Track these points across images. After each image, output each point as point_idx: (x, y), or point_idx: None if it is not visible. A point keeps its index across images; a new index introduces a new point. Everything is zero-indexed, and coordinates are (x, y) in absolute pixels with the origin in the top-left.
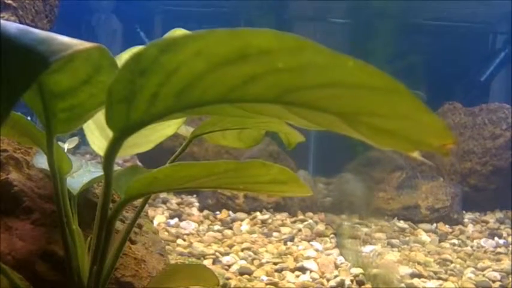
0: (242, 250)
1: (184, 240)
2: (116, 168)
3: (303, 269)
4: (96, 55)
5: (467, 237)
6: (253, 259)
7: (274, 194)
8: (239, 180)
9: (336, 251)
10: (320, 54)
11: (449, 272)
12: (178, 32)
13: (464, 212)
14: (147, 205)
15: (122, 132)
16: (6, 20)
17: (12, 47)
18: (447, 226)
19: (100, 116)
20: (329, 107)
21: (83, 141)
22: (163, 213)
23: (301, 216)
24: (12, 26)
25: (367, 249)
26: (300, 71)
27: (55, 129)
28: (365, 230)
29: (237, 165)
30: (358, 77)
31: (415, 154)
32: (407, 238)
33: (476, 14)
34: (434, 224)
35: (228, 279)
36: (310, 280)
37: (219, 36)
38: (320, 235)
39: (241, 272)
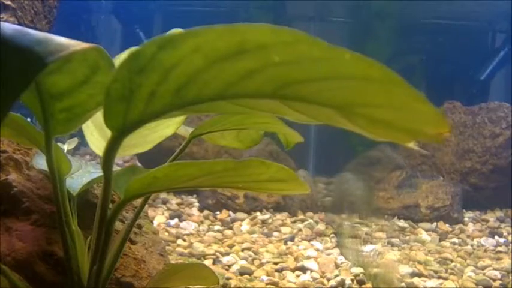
0: (242, 250)
1: (184, 240)
2: (116, 168)
3: (303, 269)
4: (94, 56)
5: (468, 236)
6: (254, 259)
7: (273, 192)
8: (238, 179)
9: (336, 251)
10: (316, 47)
11: (449, 271)
12: (177, 32)
13: (464, 210)
14: (147, 205)
15: (120, 131)
16: (5, 21)
17: (9, 48)
18: (447, 225)
19: (99, 116)
20: (326, 100)
21: (83, 142)
22: (163, 214)
23: (301, 216)
24: (8, 27)
25: (367, 248)
26: (296, 65)
27: (53, 130)
28: (365, 229)
29: (235, 164)
30: (355, 68)
31: (411, 145)
32: (407, 237)
33: (475, 13)
34: (435, 223)
35: (228, 279)
36: (311, 280)
37: (216, 32)
38: (320, 235)
39: (242, 272)
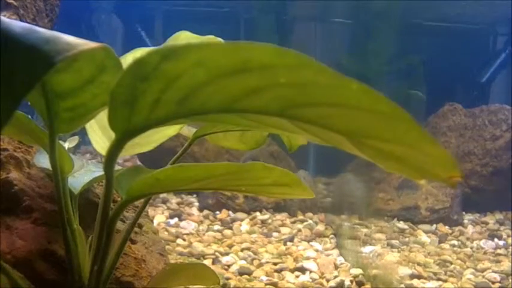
0: (242, 250)
1: (184, 240)
2: (116, 167)
3: (302, 270)
4: (101, 55)
5: (467, 239)
6: (253, 259)
7: (276, 196)
8: (240, 182)
9: (336, 252)
10: (322, 73)
11: (448, 273)
12: (184, 35)
13: (464, 213)
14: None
15: (124, 134)
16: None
17: (16, 46)
18: (447, 227)
19: (103, 115)
20: (334, 126)
21: (83, 141)
22: (163, 213)
23: (301, 217)
24: (16, 24)
25: (366, 249)
26: (302, 88)
27: (58, 128)
28: (365, 230)
29: (238, 168)
30: (362, 100)
31: (423, 182)
32: (407, 239)
33: (476, 15)
34: (434, 225)
35: (227, 279)
36: (310, 280)
37: (220, 48)
38: (320, 235)
39: (241, 272)
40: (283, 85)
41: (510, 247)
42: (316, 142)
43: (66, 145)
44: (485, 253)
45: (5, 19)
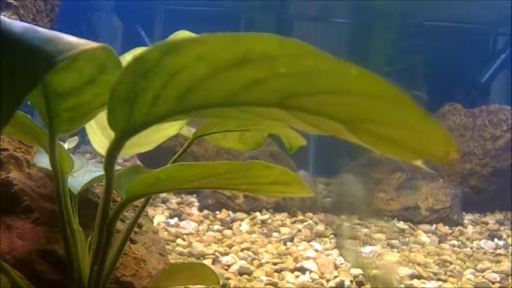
0: (242, 250)
1: (184, 240)
2: (116, 167)
3: (302, 270)
4: (102, 55)
5: (467, 239)
6: (253, 259)
7: (276, 195)
8: (241, 181)
9: (336, 252)
10: (323, 60)
11: (448, 273)
12: (182, 34)
13: (464, 213)
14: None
15: (123, 133)
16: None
17: (17, 46)
18: (447, 227)
19: (102, 115)
20: (332, 114)
21: (83, 141)
22: (163, 213)
23: (300, 217)
24: (17, 24)
25: (366, 249)
26: (302, 77)
27: (58, 128)
28: (365, 230)
29: (238, 166)
30: (362, 85)
31: (418, 162)
32: (407, 239)
33: (477, 15)
34: (434, 225)
35: (227, 279)
36: (310, 280)
37: (221, 40)
38: (320, 235)
39: (241, 272)
40: (284, 75)
41: (510, 247)
42: (313, 132)
43: (66, 145)
44: (485, 253)
45: (5, 19)
